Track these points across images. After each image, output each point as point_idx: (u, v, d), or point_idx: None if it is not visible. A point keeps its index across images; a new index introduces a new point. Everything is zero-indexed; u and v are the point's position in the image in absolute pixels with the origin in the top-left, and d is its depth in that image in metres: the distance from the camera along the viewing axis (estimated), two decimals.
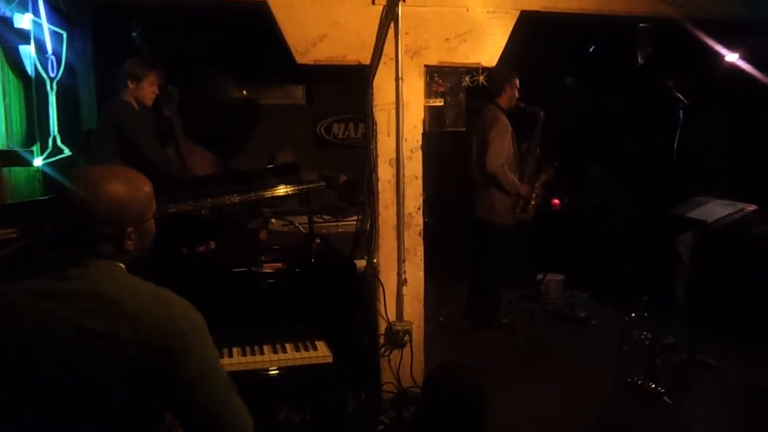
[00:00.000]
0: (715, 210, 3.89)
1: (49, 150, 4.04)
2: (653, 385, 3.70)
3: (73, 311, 1.47)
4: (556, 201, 5.69)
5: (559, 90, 6.53)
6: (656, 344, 3.84)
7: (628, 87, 5.96)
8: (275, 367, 2.44)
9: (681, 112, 4.32)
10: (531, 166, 4.91)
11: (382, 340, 3.50)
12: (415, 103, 3.50)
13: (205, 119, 5.81)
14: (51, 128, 4.07)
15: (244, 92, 6.68)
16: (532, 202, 4.85)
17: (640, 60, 5.25)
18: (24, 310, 1.50)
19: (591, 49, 6.29)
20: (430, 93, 3.58)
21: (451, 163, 5.34)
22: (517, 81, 4.77)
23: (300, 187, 2.87)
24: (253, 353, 2.45)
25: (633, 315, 3.95)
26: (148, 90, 3.94)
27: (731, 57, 4.76)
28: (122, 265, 1.61)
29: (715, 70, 4.95)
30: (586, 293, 5.49)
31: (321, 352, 2.47)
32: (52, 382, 1.46)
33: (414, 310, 3.57)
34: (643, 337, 3.97)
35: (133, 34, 4.01)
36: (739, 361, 4.15)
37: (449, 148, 5.08)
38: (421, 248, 3.58)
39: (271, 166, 4.26)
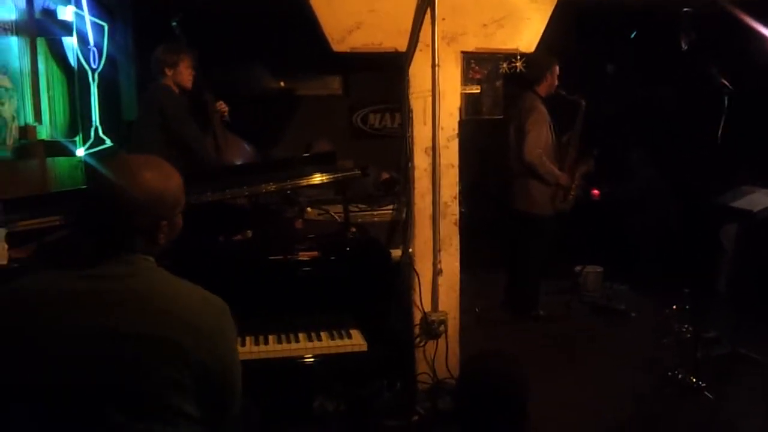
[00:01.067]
0: (761, 199, 3.77)
1: (91, 140, 4.13)
2: (694, 379, 3.61)
3: (116, 315, 1.45)
4: (596, 191, 5.60)
5: (600, 77, 6.41)
6: (698, 337, 3.75)
7: (671, 73, 5.82)
8: (310, 355, 2.44)
9: (726, 98, 4.18)
10: (572, 155, 4.83)
11: (417, 330, 3.48)
12: (452, 91, 3.45)
13: (242, 110, 5.87)
14: (93, 119, 4.16)
15: (282, 83, 6.72)
16: (572, 193, 4.78)
17: (683, 46, 5.10)
18: (54, 311, 1.47)
19: (632, 35, 6.15)
20: (466, 80, 3.52)
21: (489, 152, 5.30)
22: (557, 68, 4.68)
23: (335, 176, 2.87)
24: (288, 341, 2.46)
25: (674, 307, 3.87)
26: (186, 73, 3.98)
27: None
28: (153, 259, 1.61)
29: (761, 53, 4.78)
30: (625, 285, 5.40)
31: (356, 341, 2.47)
32: (88, 389, 1.44)
33: (449, 301, 3.54)
34: (684, 329, 3.88)
35: (173, 24, 4.05)
36: None
37: (486, 136, 5.04)
38: (457, 238, 3.54)
39: (307, 154, 4.26)
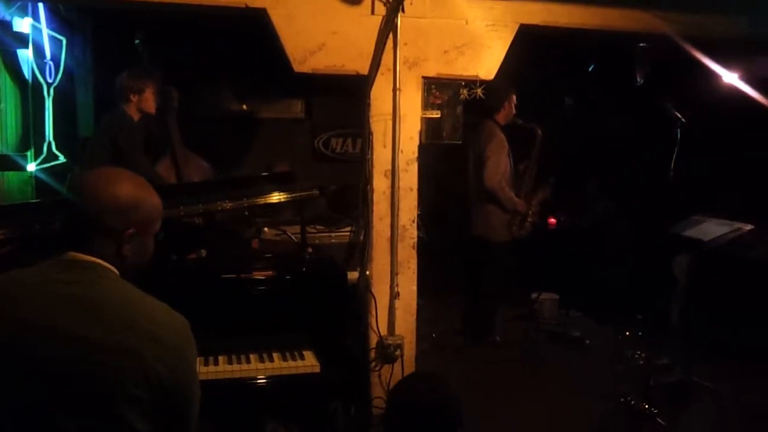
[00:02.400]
0: (712, 229, 3.87)
1: (43, 156, 4.03)
2: (647, 406, 3.65)
3: (80, 321, 1.43)
4: (553, 220, 5.67)
5: (557, 108, 6.54)
6: (650, 364, 3.80)
7: (626, 106, 5.97)
8: (262, 376, 2.40)
9: (678, 131, 4.30)
10: (528, 183, 4.90)
11: (373, 354, 3.44)
12: (412, 115, 3.47)
13: (203, 131, 5.81)
14: (46, 134, 4.06)
15: (244, 106, 6.69)
16: (529, 219, 4.84)
17: (639, 79, 5.26)
18: (17, 309, 1.46)
19: (591, 68, 6.31)
20: (427, 105, 3.55)
21: (448, 177, 5.33)
22: (515, 97, 4.77)
23: (293, 195, 2.85)
24: (239, 362, 2.41)
25: (627, 334, 3.92)
26: (151, 99, 3.94)
27: (730, 77, 4.76)
28: (116, 272, 1.58)
29: (714, 89, 4.95)
30: (580, 312, 5.46)
31: (308, 362, 2.43)
32: (43, 394, 1.41)
33: (406, 325, 3.51)
34: (636, 356, 3.93)
35: (136, 42, 4.00)
36: (735, 384, 4.10)
37: (445, 162, 5.08)
38: (415, 261, 3.54)
39: (266, 173, 4.23)
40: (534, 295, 5.49)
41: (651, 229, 4.97)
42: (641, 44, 4.96)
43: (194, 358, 1.59)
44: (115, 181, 1.58)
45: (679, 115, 4.35)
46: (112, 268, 1.56)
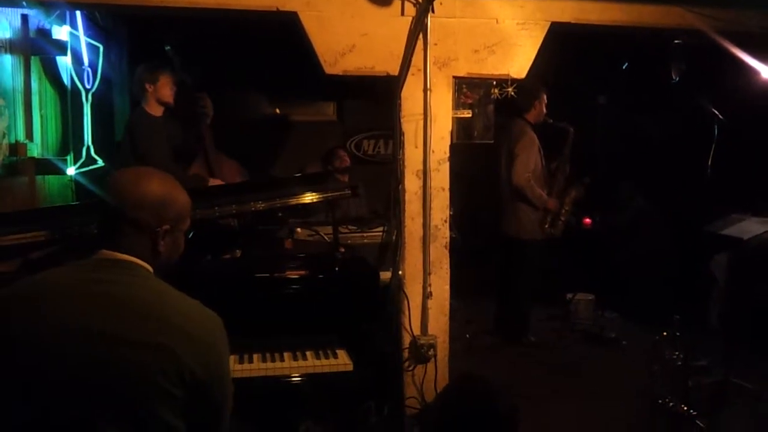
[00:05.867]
0: (751, 227, 3.78)
1: (82, 160, 4.13)
2: (685, 408, 3.58)
3: (113, 319, 1.46)
4: (588, 220, 5.61)
5: (591, 107, 6.47)
6: (688, 365, 3.72)
7: (661, 104, 5.88)
8: (296, 374, 2.42)
9: (716, 128, 4.22)
10: (560, 182, 4.85)
11: (406, 354, 3.43)
12: (443, 115, 3.47)
13: (237, 135, 5.90)
14: (85, 138, 4.16)
15: (277, 110, 6.77)
16: (562, 218, 4.79)
17: (674, 77, 5.17)
18: (52, 310, 1.48)
19: (624, 66, 6.22)
20: (458, 104, 3.54)
21: (479, 178, 5.31)
22: (545, 97, 4.73)
23: (325, 195, 2.86)
24: (273, 360, 2.44)
25: (664, 334, 3.84)
26: (166, 88, 3.96)
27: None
28: (151, 269, 1.61)
29: (752, 85, 4.84)
30: (616, 313, 5.39)
31: (341, 360, 2.45)
32: (78, 392, 1.43)
33: (439, 324, 3.50)
34: (674, 357, 3.85)
35: (167, 48, 4.07)
36: None
37: (478, 162, 5.07)
38: (447, 261, 3.52)
39: (298, 174, 4.27)
40: (569, 296, 5.44)
41: (688, 229, 4.87)
42: (676, 41, 4.87)
43: (227, 355, 1.61)
44: (144, 178, 1.61)
45: (716, 112, 4.27)
46: (146, 265, 1.59)
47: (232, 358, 2.41)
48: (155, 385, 1.44)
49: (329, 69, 3.35)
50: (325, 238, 3.16)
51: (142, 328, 1.46)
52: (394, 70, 3.38)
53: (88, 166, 4.12)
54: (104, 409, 1.43)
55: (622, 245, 5.97)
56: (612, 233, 5.97)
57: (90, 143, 4.15)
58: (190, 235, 1.75)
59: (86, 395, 1.43)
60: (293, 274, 2.61)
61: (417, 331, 3.45)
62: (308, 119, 6.84)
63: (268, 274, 2.60)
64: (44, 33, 3.80)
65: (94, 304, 1.48)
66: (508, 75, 3.56)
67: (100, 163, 4.23)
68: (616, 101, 6.51)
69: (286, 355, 2.47)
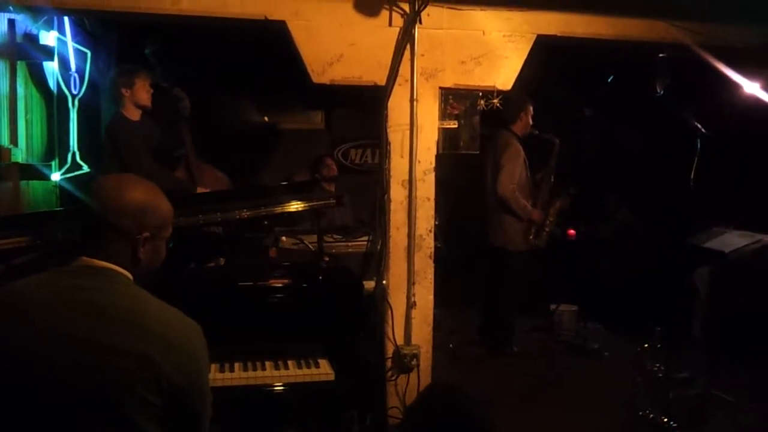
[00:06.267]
0: (733, 240, 3.83)
1: (67, 165, 4.10)
2: (665, 419, 3.60)
3: (94, 326, 1.46)
4: (572, 231, 5.66)
5: (577, 119, 6.53)
6: (670, 377, 3.75)
7: (646, 117, 5.94)
8: (277, 383, 2.42)
9: (699, 141, 4.27)
10: (545, 193, 4.89)
11: (389, 363, 3.44)
12: (430, 125, 3.49)
13: (225, 143, 5.89)
14: (71, 144, 4.13)
15: (266, 118, 6.77)
16: (546, 229, 4.82)
17: (658, 90, 5.23)
18: (32, 316, 1.48)
19: (609, 80, 6.29)
20: (444, 115, 3.57)
21: (466, 188, 5.34)
22: (532, 109, 4.77)
23: (310, 204, 2.87)
24: (254, 368, 2.43)
25: (645, 346, 3.87)
26: (142, 91, 3.91)
27: (751, 87, 4.70)
28: (131, 277, 1.61)
29: (735, 99, 4.90)
30: (600, 325, 5.42)
31: (323, 370, 2.45)
32: (62, 398, 1.43)
33: (423, 334, 3.51)
34: (655, 369, 3.88)
35: (146, 52, 4.04)
36: (757, 398, 4.03)
37: (463, 173, 5.09)
38: (432, 271, 3.54)
39: (284, 183, 4.27)
40: (552, 307, 5.47)
41: (671, 241, 4.92)
42: (660, 54, 4.92)
43: (206, 363, 1.61)
44: (127, 185, 1.62)
45: (699, 126, 4.31)
46: (126, 272, 1.59)
47: (213, 366, 2.41)
48: (135, 392, 1.43)
49: (317, 78, 3.37)
50: (310, 246, 3.16)
51: (124, 335, 1.46)
52: (382, 80, 3.40)
53: (73, 171, 4.09)
54: (88, 415, 1.43)
55: (606, 256, 6.01)
56: (596, 244, 6.01)
57: (76, 149, 4.13)
58: (171, 244, 1.74)
59: (71, 401, 1.43)
60: (276, 283, 2.61)
61: (400, 341, 3.46)
62: (296, 127, 6.85)
63: (251, 283, 2.60)
64: (31, 38, 3.78)
65: (78, 311, 1.48)
66: (494, 86, 3.59)
67: (86, 168, 4.21)
68: (601, 114, 6.58)
69: (267, 364, 2.47)
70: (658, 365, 3.90)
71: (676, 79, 5.03)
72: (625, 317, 5.16)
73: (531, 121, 4.82)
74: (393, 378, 3.47)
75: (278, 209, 2.77)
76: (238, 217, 2.68)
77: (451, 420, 1.68)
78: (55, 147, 4.14)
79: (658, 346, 3.86)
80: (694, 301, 4.97)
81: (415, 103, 3.41)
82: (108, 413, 1.44)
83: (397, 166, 3.45)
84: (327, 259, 2.94)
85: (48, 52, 3.82)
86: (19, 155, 3.66)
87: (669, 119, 5.12)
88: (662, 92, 5.18)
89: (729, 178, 5.02)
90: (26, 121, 3.80)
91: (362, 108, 4.54)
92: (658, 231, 5.63)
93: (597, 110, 6.62)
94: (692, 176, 4.26)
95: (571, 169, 5.23)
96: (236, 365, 2.44)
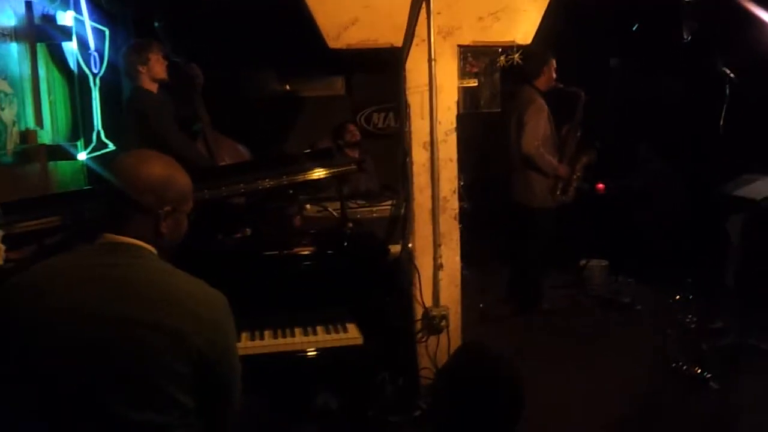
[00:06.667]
0: (764, 188, 3.74)
1: (93, 144, 4.15)
2: (699, 370, 3.58)
3: (119, 301, 1.49)
4: (601, 185, 5.57)
5: (603, 70, 6.38)
6: (702, 328, 3.72)
7: (675, 65, 5.78)
8: (308, 349, 2.46)
9: (728, 87, 4.15)
10: (571, 147, 4.81)
11: (419, 325, 3.47)
12: (449, 85, 3.45)
13: (244, 114, 5.90)
14: (95, 123, 4.18)
15: (287, 86, 6.75)
16: (573, 185, 4.76)
17: (685, 36, 5.08)
18: (59, 294, 1.51)
19: (635, 28, 6.12)
20: (464, 74, 3.54)
21: (490, 146, 5.28)
22: (554, 62, 4.67)
23: (332, 170, 2.87)
24: (284, 335, 2.47)
25: (677, 298, 3.84)
26: (158, 65, 3.87)
27: None
28: (155, 251, 1.64)
29: (763, 41, 4.74)
30: (631, 278, 5.37)
31: (351, 334, 2.48)
32: (85, 374, 1.47)
33: (451, 295, 3.53)
34: (688, 320, 3.85)
35: (156, 25, 4.01)
36: None
37: (487, 130, 5.04)
38: (457, 232, 3.53)
39: (305, 151, 4.26)
40: (583, 262, 5.43)
41: (702, 190, 4.82)
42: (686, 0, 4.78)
43: (233, 332, 1.63)
44: (146, 161, 1.64)
45: (728, 71, 4.19)
46: (149, 247, 1.62)
47: (243, 335, 2.45)
48: (165, 365, 1.47)
49: (332, 43, 3.34)
50: (334, 213, 3.18)
51: (150, 309, 1.49)
52: (398, 41, 3.36)
53: (99, 150, 4.15)
54: (120, 391, 1.47)
55: (638, 209, 5.92)
56: (627, 197, 5.92)
57: (100, 128, 4.17)
58: (192, 217, 1.76)
59: (102, 378, 1.47)
60: (302, 251, 2.64)
61: (429, 303, 3.48)
62: (317, 95, 6.82)
63: (277, 252, 2.63)
64: (49, 19, 3.81)
65: (103, 287, 1.51)
66: (513, 42, 3.52)
67: (111, 147, 4.26)
68: (628, 63, 6.42)
69: (296, 330, 2.51)
70: (690, 316, 3.87)
71: (703, 24, 4.88)
72: (657, 270, 5.10)
73: (554, 75, 4.72)
74: (423, 340, 3.50)
75: (299, 177, 2.78)
76: (260, 187, 2.69)
77: (480, 378, 1.70)
78: (79, 127, 4.20)
79: (690, 297, 3.83)
80: (728, 249, 4.89)
81: (433, 63, 3.35)
82: (141, 387, 1.48)
83: (418, 128, 3.42)
84: (351, 225, 2.95)
85: (66, 33, 3.85)
86: (46, 137, 3.72)
87: (698, 66, 4.98)
88: (690, 38, 5.03)
89: (760, 124, 4.88)
90: (50, 102, 3.85)
91: (383, 71, 4.50)
92: (690, 180, 5.51)
93: (623, 60, 6.46)
94: (721, 123, 4.15)
95: (598, 122, 5.14)
96: (266, 333, 2.48)
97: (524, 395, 1.68)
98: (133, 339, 1.47)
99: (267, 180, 2.73)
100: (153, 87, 3.89)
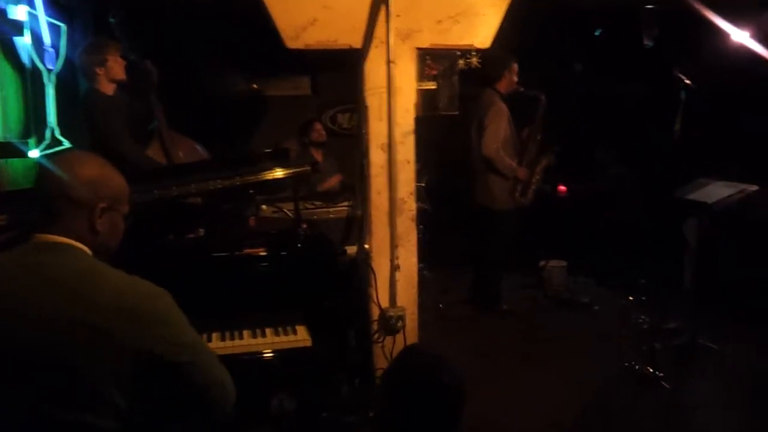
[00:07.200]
0: (717, 191, 3.82)
1: (46, 142, 4.06)
2: (651, 370, 3.64)
3: (48, 301, 1.46)
4: (563, 188, 5.63)
5: (565, 75, 6.46)
6: (655, 328, 3.78)
7: (635, 70, 5.87)
8: (256, 351, 2.43)
9: (684, 93, 4.22)
10: (532, 150, 4.86)
11: (375, 326, 3.47)
12: (407, 87, 3.45)
13: (206, 113, 5.84)
14: (49, 120, 4.09)
15: (254, 86, 6.70)
16: (532, 187, 4.81)
17: (646, 42, 5.16)
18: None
19: (598, 33, 6.20)
20: (422, 76, 3.52)
21: (452, 148, 5.31)
22: (516, 66, 4.71)
23: (287, 171, 2.85)
24: (232, 338, 2.45)
25: (630, 298, 3.90)
26: (116, 65, 3.79)
27: (740, 36, 4.62)
28: (88, 250, 1.60)
29: (724, 49, 4.83)
30: (589, 279, 5.44)
31: (300, 336, 2.47)
32: (26, 379, 1.44)
33: (407, 296, 3.53)
34: (641, 321, 3.92)
35: (110, 21, 3.92)
36: (743, 346, 4.09)
37: (449, 133, 5.05)
38: (415, 234, 3.54)
39: (260, 151, 4.22)
40: (542, 263, 5.48)
41: (660, 194, 4.91)
42: (648, 5, 4.86)
43: (176, 321, 1.57)
44: (78, 160, 1.64)
45: (683, 77, 4.26)
46: (83, 246, 1.58)
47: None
48: (96, 364, 1.44)
49: (291, 43, 3.31)
50: (289, 214, 3.16)
51: (77, 308, 1.46)
52: (357, 43, 3.35)
53: (53, 148, 4.06)
54: (47, 390, 1.44)
55: (597, 211, 6.00)
56: (587, 199, 6.00)
57: (54, 125, 4.09)
58: (130, 221, 1.73)
59: (35, 381, 1.44)
60: (253, 252, 2.61)
61: (385, 304, 3.47)
62: (283, 94, 6.79)
63: (229, 253, 2.60)
64: (0, 13, 3.72)
65: (30, 287, 1.48)
66: (472, 45, 3.53)
67: (66, 144, 4.17)
68: (590, 68, 6.50)
69: (245, 333, 2.49)
70: (643, 317, 3.94)
71: (664, 31, 4.96)
72: (615, 271, 5.18)
73: (516, 79, 4.76)
74: (380, 340, 3.49)
75: (252, 178, 2.75)
76: (211, 187, 2.67)
77: (419, 380, 1.71)
78: (31, 123, 4.11)
79: (643, 298, 3.89)
80: (686, 251, 4.98)
81: (391, 65, 3.35)
82: (71, 387, 1.44)
83: (376, 129, 3.42)
84: (305, 226, 2.93)
85: (18, 27, 3.76)
86: None
87: (657, 72, 5.06)
88: (651, 44, 5.11)
89: (716, 129, 4.98)
90: (1, 98, 3.76)
91: (348, 71, 4.49)
92: (647, 184, 5.60)
93: (586, 65, 6.55)
94: (676, 128, 4.22)
95: (559, 125, 5.19)
96: (214, 335, 2.45)
97: (464, 399, 1.68)
98: (62, 338, 1.43)
99: (219, 180, 2.70)
100: (109, 88, 3.80)
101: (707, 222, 4.09)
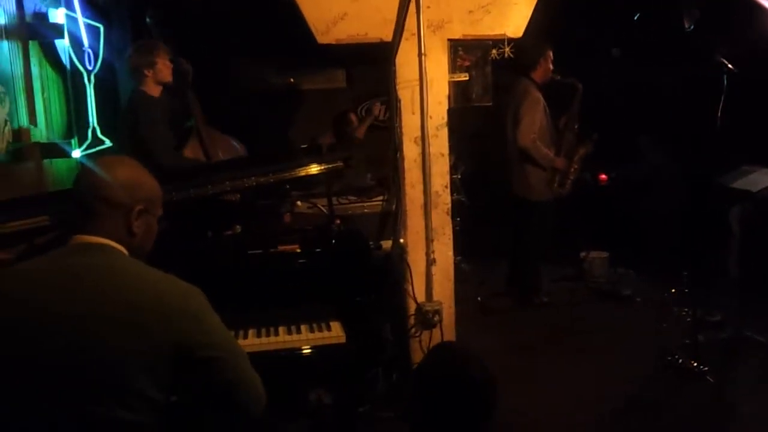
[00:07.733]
0: (761, 179, 3.71)
1: (88, 141, 4.15)
2: (694, 363, 3.56)
3: (91, 302, 1.49)
4: (604, 176, 5.54)
5: (604, 61, 6.33)
6: (699, 321, 3.69)
7: (675, 55, 5.72)
8: (292, 348, 2.45)
9: (725, 78, 4.09)
10: (569, 139, 4.78)
11: (411, 320, 3.47)
12: (439, 79, 3.42)
13: (244, 108, 5.90)
14: (90, 120, 4.18)
15: (291, 80, 6.74)
16: (570, 177, 4.73)
17: (686, 26, 5.02)
18: (24, 299, 1.52)
19: (636, 17, 6.06)
20: (454, 68, 3.50)
21: (488, 139, 5.27)
22: (551, 54, 4.63)
23: (320, 168, 2.85)
24: (268, 334, 2.47)
25: (672, 291, 3.81)
26: (165, 68, 3.78)
27: None
28: (125, 250, 1.64)
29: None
30: (631, 270, 5.34)
31: (334, 332, 2.48)
32: (53, 373, 1.47)
33: (444, 290, 3.51)
34: (684, 313, 3.82)
35: (147, 21, 3.96)
36: None
37: (485, 124, 5.01)
38: (450, 227, 3.52)
39: (292, 148, 4.25)
40: (583, 254, 5.40)
41: (703, 182, 4.78)
42: None
43: (211, 320, 1.60)
44: (113, 163, 1.68)
45: (725, 62, 4.13)
46: (120, 247, 1.62)
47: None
48: (133, 361, 1.47)
49: (321, 38, 3.32)
50: (324, 210, 3.17)
51: (119, 308, 1.49)
52: (388, 36, 3.33)
53: (94, 147, 4.15)
54: (85, 388, 1.47)
55: (638, 200, 5.88)
56: (628, 188, 5.88)
57: (95, 124, 4.18)
58: (162, 222, 1.76)
59: (68, 376, 1.47)
60: (287, 249, 2.63)
61: (421, 298, 3.47)
62: (318, 87, 6.82)
63: (263, 250, 2.63)
64: (40, 17, 3.81)
65: (68, 287, 1.52)
66: (504, 35, 3.48)
67: (108, 143, 4.26)
68: (629, 54, 6.35)
69: (281, 329, 2.51)
70: (686, 309, 3.85)
71: (705, 13, 4.82)
72: (657, 261, 5.07)
73: (551, 67, 4.68)
74: (416, 334, 3.49)
75: (287, 175, 2.76)
76: (246, 185, 2.69)
77: (452, 376, 1.71)
78: (74, 124, 4.21)
79: (686, 290, 3.80)
80: (731, 240, 4.85)
81: (423, 57, 3.32)
82: (109, 384, 1.47)
83: (409, 122, 3.41)
84: (338, 221, 2.94)
85: (58, 30, 3.84)
86: (39, 134, 3.72)
87: (697, 57, 4.92)
88: (691, 28, 4.97)
89: (759, 116, 4.82)
90: (44, 100, 3.86)
91: (382, 63, 4.48)
92: (690, 172, 5.46)
93: (625, 50, 6.40)
94: (719, 115, 4.09)
95: (597, 113, 5.10)
96: (250, 332, 2.48)
97: (495, 395, 1.67)
98: (100, 336, 1.47)
99: (254, 177, 2.71)
100: (156, 90, 3.78)
101: (751, 210, 3.96)
